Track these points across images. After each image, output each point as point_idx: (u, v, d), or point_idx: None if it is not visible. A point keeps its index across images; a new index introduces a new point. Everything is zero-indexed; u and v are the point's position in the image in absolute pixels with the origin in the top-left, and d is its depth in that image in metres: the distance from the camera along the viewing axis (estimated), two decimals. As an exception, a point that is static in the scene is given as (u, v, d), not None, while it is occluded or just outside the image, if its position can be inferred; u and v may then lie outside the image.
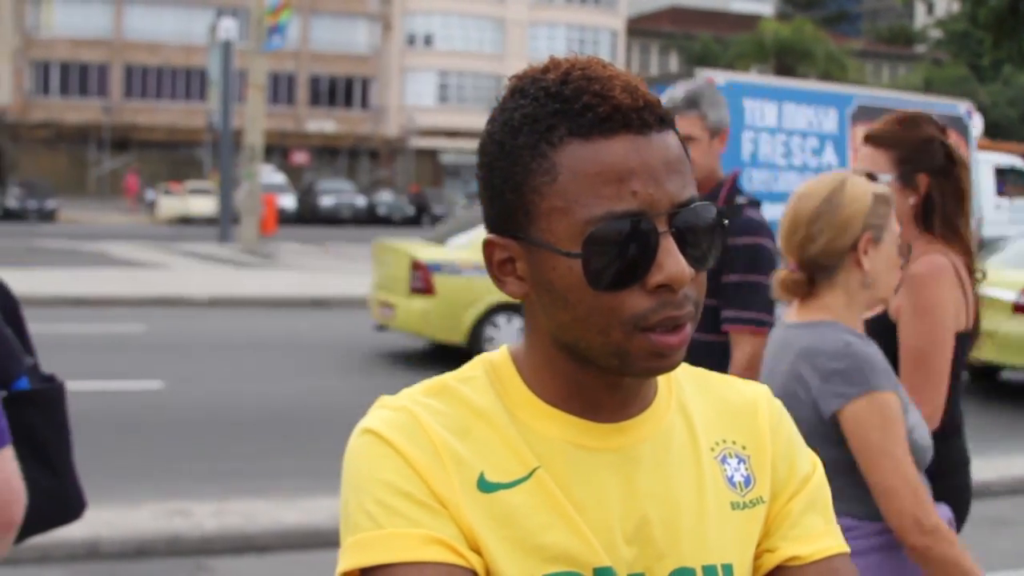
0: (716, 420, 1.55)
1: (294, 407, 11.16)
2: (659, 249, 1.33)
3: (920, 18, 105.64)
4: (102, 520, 6.83)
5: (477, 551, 1.36)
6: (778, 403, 1.62)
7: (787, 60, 72.28)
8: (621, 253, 1.32)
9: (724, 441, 1.54)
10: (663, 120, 1.37)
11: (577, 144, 1.33)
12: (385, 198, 56.13)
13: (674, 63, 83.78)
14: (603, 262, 1.32)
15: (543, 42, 74.97)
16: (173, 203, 51.38)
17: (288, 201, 50.92)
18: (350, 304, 19.24)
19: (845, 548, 1.55)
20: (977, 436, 10.53)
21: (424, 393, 1.45)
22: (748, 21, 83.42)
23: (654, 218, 1.33)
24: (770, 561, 1.53)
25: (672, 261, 1.33)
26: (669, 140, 1.37)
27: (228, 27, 34.55)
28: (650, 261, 1.33)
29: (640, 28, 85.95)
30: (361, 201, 54.11)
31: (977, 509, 8.63)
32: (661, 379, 1.52)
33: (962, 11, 51.18)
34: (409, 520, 1.34)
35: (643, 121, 1.35)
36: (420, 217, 54.28)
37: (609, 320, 1.34)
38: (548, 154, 1.34)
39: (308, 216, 51.46)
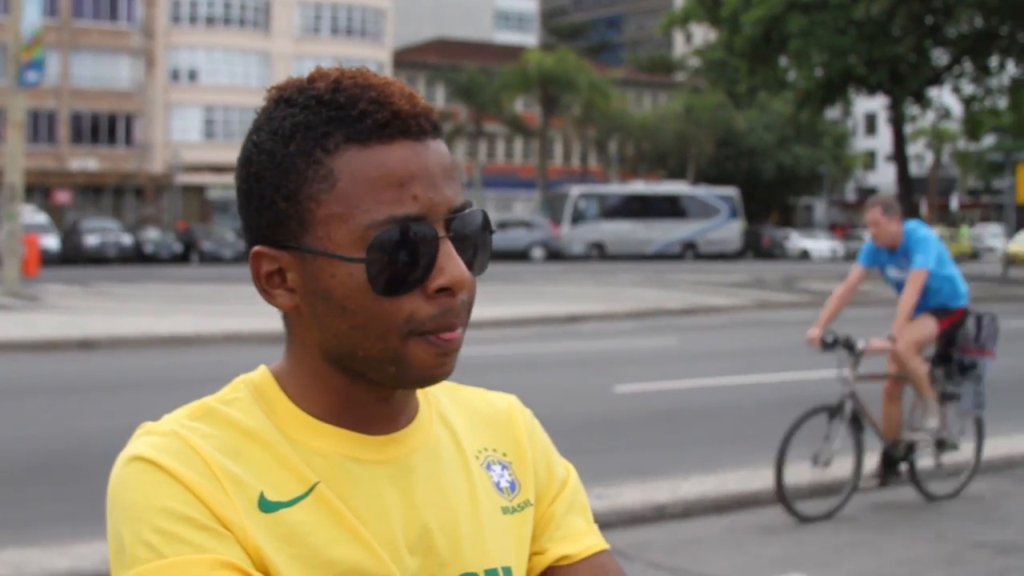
0: (475, 429, 1.58)
1: (62, 452, 10.82)
2: (440, 253, 1.34)
3: (679, 47, 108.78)
4: None
5: (266, 573, 1.33)
6: (529, 412, 1.66)
7: (551, 90, 73.46)
8: (403, 257, 1.32)
9: (486, 449, 1.57)
10: (436, 127, 1.38)
11: (355, 150, 1.33)
12: (152, 236, 54.89)
13: (441, 95, 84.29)
14: (385, 266, 1.32)
15: (309, 75, 74.67)
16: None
17: (51, 241, 49.35)
18: (119, 344, 18.79)
19: (607, 545, 1.60)
20: (747, 448, 10.86)
21: (189, 417, 1.41)
22: (513, 52, 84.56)
23: (434, 222, 1.34)
24: (541, 563, 1.56)
25: (453, 264, 1.34)
26: (442, 147, 1.38)
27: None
28: (431, 265, 1.33)
29: (406, 60, 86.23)
30: (127, 239, 52.77)
31: (747, 518, 8.90)
32: (420, 393, 1.53)
33: (719, 40, 52.83)
34: (194, 546, 1.29)
35: (420, 127, 1.35)
36: (188, 254, 53.34)
37: (387, 326, 1.34)
38: (324, 161, 1.33)
39: (73, 256, 49.99)
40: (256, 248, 1.40)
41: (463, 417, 1.58)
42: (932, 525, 8.66)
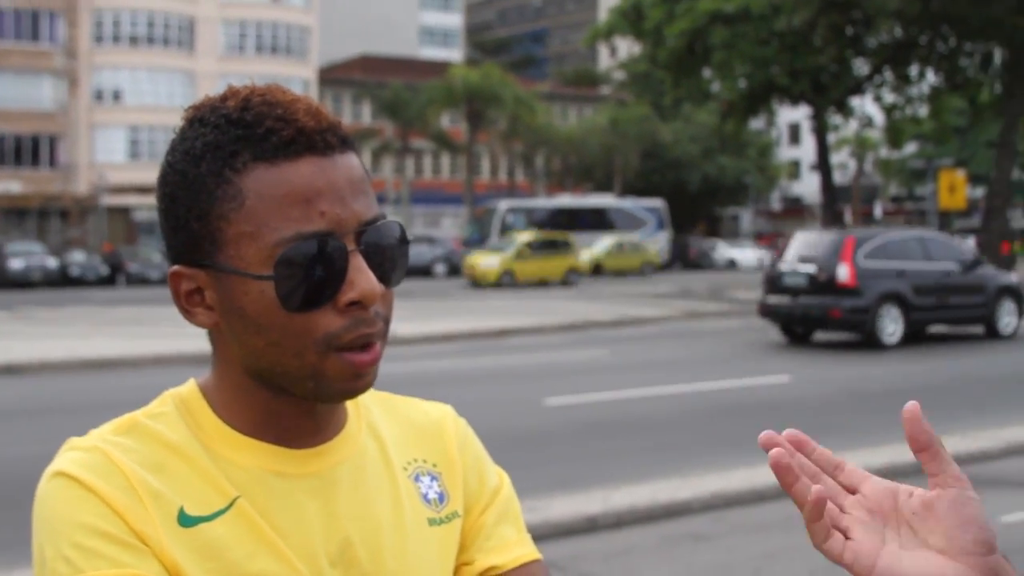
0: (405, 440, 1.59)
1: (-11, 478, 10.68)
2: (349, 267, 1.34)
3: (604, 60, 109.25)
4: None
5: None
6: (463, 421, 1.67)
7: (477, 105, 73.50)
8: (312, 273, 1.33)
9: (416, 460, 1.58)
10: (345, 141, 1.39)
11: (262, 168, 1.33)
12: (78, 258, 54.36)
13: (367, 112, 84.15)
14: (295, 283, 1.33)
15: (235, 94, 74.22)
16: None
17: (-26, 267, 48.85)
18: (45, 369, 18.58)
19: (538, 555, 1.61)
20: (678, 457, 10.90)
21: (114, 432, 1.41)
22: (438, 68, 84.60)
23: (343, 237, 1.34)
24: (469, 574, 1.57)
25: (363, 278, 1.34)
26: (352, 161, 1.39)
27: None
28: (341, 279, 1.34)
29: (332, 77, 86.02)
30: (52, 263, 52.22)
31: (678, 527, 8.96)
32: (350, 403, 1.53)
33: (643, 53, 53.08)
34: (111, 561, 1.30)
35: (327, 143, 1.36)
36: (115, 276, 52.84)
37: (303, 342, 1.35)
38: (233, 180, 1.34)
39: (-4, 281, 49.43)
40: (174, 267, 1.41)
41: (395, 428, 1.59)
42: (860, 529, 8.74)
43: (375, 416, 1.58)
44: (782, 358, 19.85)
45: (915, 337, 22.23)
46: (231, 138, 1.35)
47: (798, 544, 8.33)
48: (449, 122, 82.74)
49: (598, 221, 62.68)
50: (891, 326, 21.23)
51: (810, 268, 21.53)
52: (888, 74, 45.81)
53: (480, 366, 19.20)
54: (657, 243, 64.14)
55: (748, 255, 68.89)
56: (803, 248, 22.17)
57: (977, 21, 39.31)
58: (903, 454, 10.78)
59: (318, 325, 1.35)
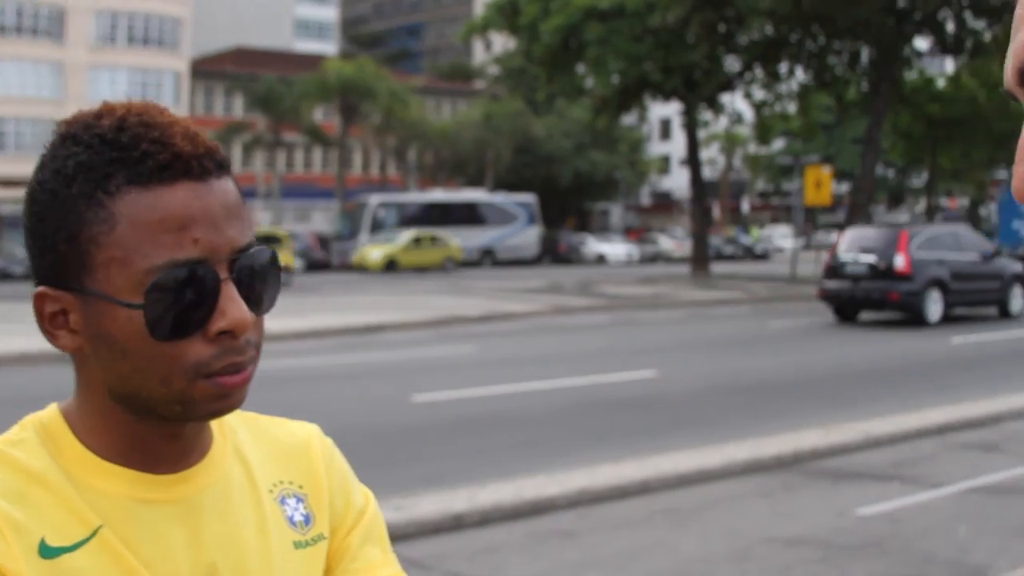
0: (271, 462, 1.56)
1: None
2: (221, 295, 1.31)
3: (479, 55, 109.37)
4: None
5: None
6: (329, 440, 1.64)
7: (351, 99, 73.22)
8: (183, 301, 1.30)
9: (282, 482, 1.55)
10: (222, 166, 1.35)
11: (136, 192, 1.29)
12: (-62, 253, 53.05)
13: (239, 105, 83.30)
14: (164, 311, 1.29)
15: (105, 86, 72.96)
16: None
17: None
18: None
19: (404, 575, 1.60)
20: (544, 453, 10.94)
21: None
22: (312, 61, 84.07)
23: (215, 264, 1.31)
24: None
25: (234, 307, 1.31)
26: (228, 186, 1.35)
27: None
28: (212, 308, 1.31)
29: (204, 70, 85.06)
30: (-89, 257, 50.93)
31: (544, 523, 8.99)
32: (215, 425, 1.50)
33: (518, 48, 53.31)
34: None
35: (203, 168, 1.32)
36: (-21, 271, 51.66)
37: (171, 369, 1.32)
38: (105, 203, 1.29)
39: None
40: (39, 289, 1.37)
41: (260, 449, 1.56)
42: (723, 522, 8.85)
43: (241, 438, 1.55)
44: (649, 354, 20.03)
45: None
46: (105, 160, 1.30)
47: (663, 539, 8.41)
48: (322, 116, 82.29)
49: (470, 216, 62.80)
50: (934, 307, 25.42)
51: (871, 258, 25.67)
52: (758, 71, 46.60)
53: (348, 362, 19.11)
54: (528, 236, 64.49)
55: (618, 250, 69.44)
56: (861, 240, 26.54)
57: (846, 21, 40.15)
58: (766, 447, 10.96)
59: (187, 354, 1.32)
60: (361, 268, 54.15)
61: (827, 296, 26.57)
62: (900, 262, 25.27)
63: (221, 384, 1.33)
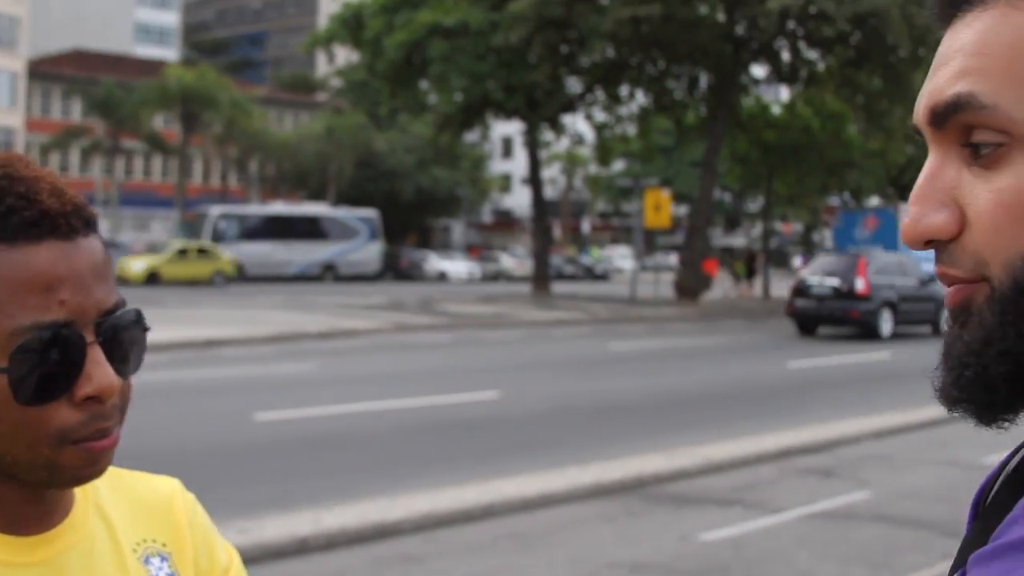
0: (135, 519, 1.53)
1: None
2: (87, 360, 1.28)
3: (322, 67, 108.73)
4: None
5: None
6: (191, 496, 1.61)
7: (192, 107, 72.27)
8: (48, 365, 1.25)
9: (145, 540, 1.52)
10: (89, 224, 1.32)
11: (1, 250, 1.25)
12: None
13: (77, 109, 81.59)
14: (28, 374, 1.25)
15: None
16: None
17: None
18: None
19: None
20: (387, 475, 10.89)
21: None
22: (153, 67, 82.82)
23: (82, 327, 1.27)
24: None
25: (101, 372, 1.28)
26: (95, 245, 1.32)
27: None
28: (78, 372, 1.27)
29: (42, 71, 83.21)
30: None
31: (388, 548, 8.95)
32: None
33: (361, 62, 53.13)
34: None
35: (70, 226, 1.28)
36: None
37: (36, 435, 1.27)
38: None
39: None
40: None
41: (123, 507, 1.52)
42: (568, 547, 8.91)
43: (102, 495, 1.51)
44: (492, 373, 20.10)
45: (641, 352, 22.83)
46: None
47: (510, 564, 8.44)
48: (163, 123, 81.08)
49: (312, 230, 62.38)
50: (886, 325, 29.72)
51: (834, 281, 30.12)
52: (600, 93, 47.16)
53: (188, 378, 18.79)
54: (370, 252, 64.27)
55: (459, 267, 69.57)
56: (825, 266, 31.37)
57: (685, 47, 40.89)
58: (609, 472, 11.08)
59: (52, 419, 1.28)
60: (121, 280, 48.48)
61: (794, 313, 30.94)
62: (860, 285, 29.62)
63: (89, 450, 1.30)
